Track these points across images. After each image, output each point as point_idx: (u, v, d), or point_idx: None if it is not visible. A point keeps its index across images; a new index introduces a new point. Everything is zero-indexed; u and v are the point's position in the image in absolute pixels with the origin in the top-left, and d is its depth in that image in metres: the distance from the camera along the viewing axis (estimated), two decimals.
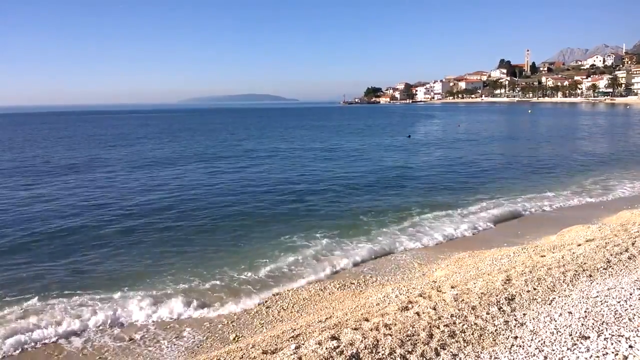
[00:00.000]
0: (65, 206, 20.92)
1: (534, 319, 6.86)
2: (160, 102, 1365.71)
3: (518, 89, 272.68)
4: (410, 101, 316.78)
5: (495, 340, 6.32)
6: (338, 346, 6.29)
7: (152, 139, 60.56)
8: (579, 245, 11.44)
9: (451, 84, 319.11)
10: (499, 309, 7.23)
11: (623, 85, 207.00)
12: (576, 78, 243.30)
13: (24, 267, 13.35)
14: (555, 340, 6.13)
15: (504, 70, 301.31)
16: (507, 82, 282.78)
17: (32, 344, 9.38)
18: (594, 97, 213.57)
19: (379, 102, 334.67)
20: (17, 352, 9.15)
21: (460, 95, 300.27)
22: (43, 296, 11.32)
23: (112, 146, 50.65)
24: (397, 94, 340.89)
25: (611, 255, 9.75)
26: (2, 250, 14.92)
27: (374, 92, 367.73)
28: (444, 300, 7.88)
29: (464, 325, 6.77)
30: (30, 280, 12.37)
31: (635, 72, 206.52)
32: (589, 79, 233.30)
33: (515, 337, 6.33)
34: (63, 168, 33.35)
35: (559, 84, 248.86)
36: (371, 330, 6.79)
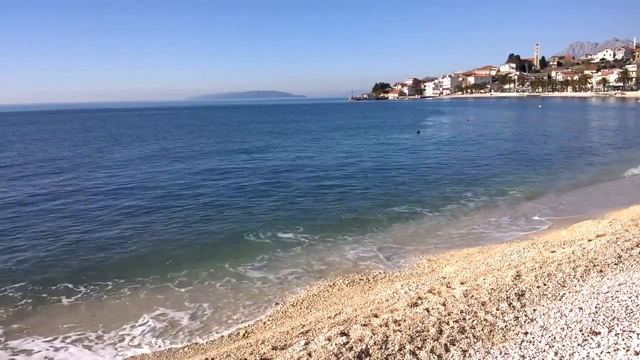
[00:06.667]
0: (68, 198, 21.15)
1: (544, 314, 6.83)
2: (167, 100, 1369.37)
3: (527, 83, 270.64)
4: (419, 97, 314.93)
5: (505, 336, 6.30)
6: (347, 342, 6.30)
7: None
8: (590, 240, 11.36)
9: (460, 79, 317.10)
10: (509, 305, 7.21)
11: (634, 79, 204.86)
12: (586, 72, 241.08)
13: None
14: (565, 335, 6.11)
15: (514, 65, 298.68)
16: (516, 77, 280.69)
17: None
18: (604, 91, 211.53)
19: (388, 97, 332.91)
20: None
21: (469, 91, 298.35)
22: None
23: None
24: (405, 90, 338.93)
25: (622, 250, 9.68)
26: None
27: (382, 87, 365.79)
28: (453, 296, 7.87)
29: (473, 321, 6.76)
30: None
31: None
32: (599, 73, 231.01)
33: (526, 333, 6.32)
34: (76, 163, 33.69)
35: (568, 78, 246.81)
36: (380, 326, 6.80)
